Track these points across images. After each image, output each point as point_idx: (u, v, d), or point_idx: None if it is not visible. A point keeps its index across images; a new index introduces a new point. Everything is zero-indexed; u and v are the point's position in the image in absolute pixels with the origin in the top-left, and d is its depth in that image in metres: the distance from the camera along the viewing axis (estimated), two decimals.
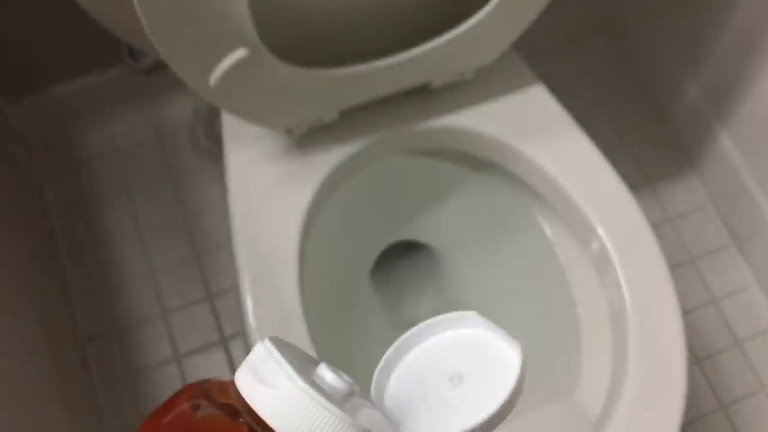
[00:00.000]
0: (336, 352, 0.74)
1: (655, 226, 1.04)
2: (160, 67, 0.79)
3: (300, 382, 0.24)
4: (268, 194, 0.68)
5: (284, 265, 0.65)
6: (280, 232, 0.66)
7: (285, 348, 0.26)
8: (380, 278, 0.86)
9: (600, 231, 0.68)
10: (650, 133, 1.18)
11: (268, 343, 0.26)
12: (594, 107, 1.16)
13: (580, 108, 0.77)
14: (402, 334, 0.37)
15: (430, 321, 0.36)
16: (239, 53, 0.53)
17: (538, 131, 0.72)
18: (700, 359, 1.03)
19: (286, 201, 0.68)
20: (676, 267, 1.07)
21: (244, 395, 0.25)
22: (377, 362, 0.37)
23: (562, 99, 0.74)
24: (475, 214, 0.84)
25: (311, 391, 0.24)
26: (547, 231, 0.79)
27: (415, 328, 0.36)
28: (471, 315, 0.36)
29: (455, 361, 0.34)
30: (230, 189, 0.68)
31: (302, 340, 0.62)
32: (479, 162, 0.77)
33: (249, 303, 0.63)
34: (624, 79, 1.22)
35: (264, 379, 0.25)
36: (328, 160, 0.70)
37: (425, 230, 0.85)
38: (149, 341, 1.00)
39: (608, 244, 0.67)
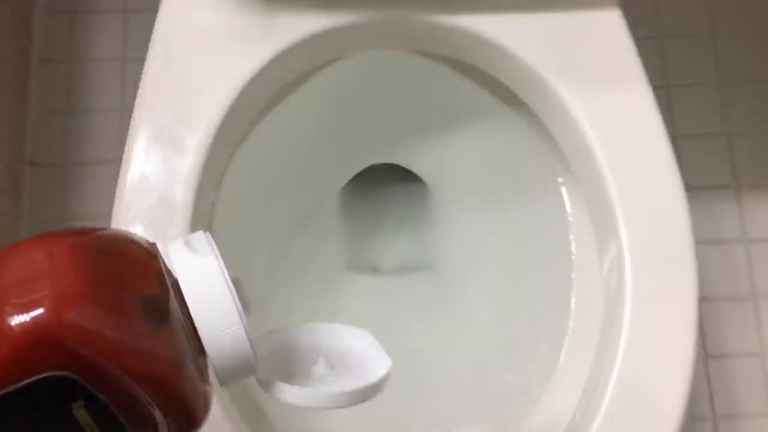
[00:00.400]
0: (267, 270, 0.59)
1: (723, 244, 0.85)
2: None
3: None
4: (202, 48, 0.51)
5: (191, 149, 0.48)
6: (201, 103, 0.49)
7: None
8: (351, 201, 0.70)
9: (622, 234, 0.48)
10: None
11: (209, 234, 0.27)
12: (691, 68, 0.92)
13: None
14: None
15: (324, 325, 0.35)
16: None
17: (589, 73, 0.52)
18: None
19: (224, 62, 0.50)
20: (731, 300, 0.86)
21: (167, 249, 0.26)
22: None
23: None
24: (489, 156, 0.65)
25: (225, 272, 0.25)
26: (568, 208, 0.60)
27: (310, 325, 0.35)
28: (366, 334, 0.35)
29: (333, 353, 0.33)
30: (154, 33, 0.51)
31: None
32: (507, 91, 0.58)
33: (128, 178, 0.48)
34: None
35: (191, 247, 0.26)
36: (298, 26, 0.52)
37: (420, 158, 0.67)
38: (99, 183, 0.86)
39: (627, 256, 0.48)
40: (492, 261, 0.64)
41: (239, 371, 0.26)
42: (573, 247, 0.59)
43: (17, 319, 0.20)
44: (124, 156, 0.48)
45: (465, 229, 0.65)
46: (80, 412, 0.21)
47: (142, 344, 0.22)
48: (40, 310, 0.20)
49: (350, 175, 0.67)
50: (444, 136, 0.65)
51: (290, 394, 0.29)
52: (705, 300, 0.85)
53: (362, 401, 0.30)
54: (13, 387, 0.20)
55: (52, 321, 0.20)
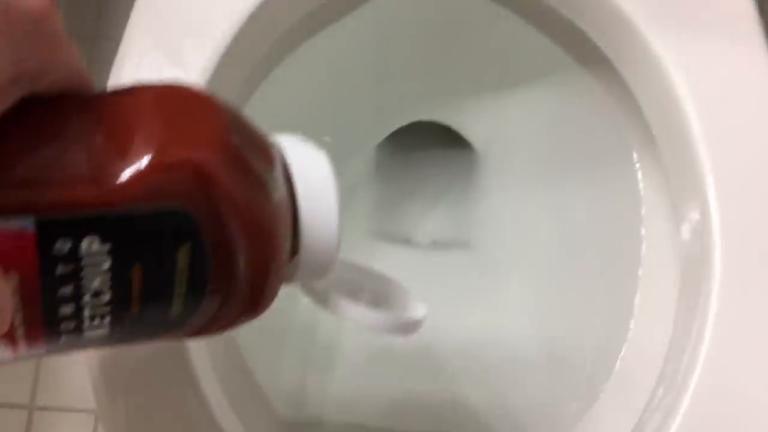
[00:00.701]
0: None
1: None
2: None
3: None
4: None
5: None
6: (210, 14, 0.41)
7: None
8: (388, 161, 0.61)
9: (711, 196, 0.39)
10: None
11: None
12: None
13: None
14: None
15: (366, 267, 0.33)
16: None
17: (692, 25, 0.43)
18: None
19: None
20: None
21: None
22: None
23: None
24: (552, 123, 0.56)
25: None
26: (641, 190, 0.51)
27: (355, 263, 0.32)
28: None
29: (376, 291, 0.32)
30: None
31: None
32: (582, 48, 0.48)
33: None
34: None
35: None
36: None
37: (471, 119, 0.58)
38: None
39: (716, 236, 0.38)
40: (543, 242, 0.55)
41: (319, 270, 0.25)
42: (642, 235, 0.50)
43: (175, 146, 0.20)
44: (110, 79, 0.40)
45: (515, 204, 0.56)
46: (183, 256, 0.20)
47: (266, 210, 0.22)
48: (197, 145, 0.20)
49: (389, 131, 0.58)
50: (502, 95, 0.56)
51: (349, 309, 0.29)
52: None
53: (406, 333, 0.30)
54: (143, 207, 0.19)
55: (207, 156, 0.20)
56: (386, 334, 0.30)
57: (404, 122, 0.58)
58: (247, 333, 0.50)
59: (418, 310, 0.31)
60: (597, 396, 0.48)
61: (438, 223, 0.61)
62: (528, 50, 0.54)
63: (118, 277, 0.20)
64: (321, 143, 0.54)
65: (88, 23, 0.83)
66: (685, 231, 0.41)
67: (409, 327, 0.30)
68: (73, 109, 0.20)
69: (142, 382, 0.38)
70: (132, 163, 0.19)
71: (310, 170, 0.24)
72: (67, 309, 0.19)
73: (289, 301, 0.52)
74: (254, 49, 0.44)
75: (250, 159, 0.21)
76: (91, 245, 0.19)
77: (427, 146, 0.62)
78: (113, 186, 0.19)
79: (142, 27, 0.41)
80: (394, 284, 0.33)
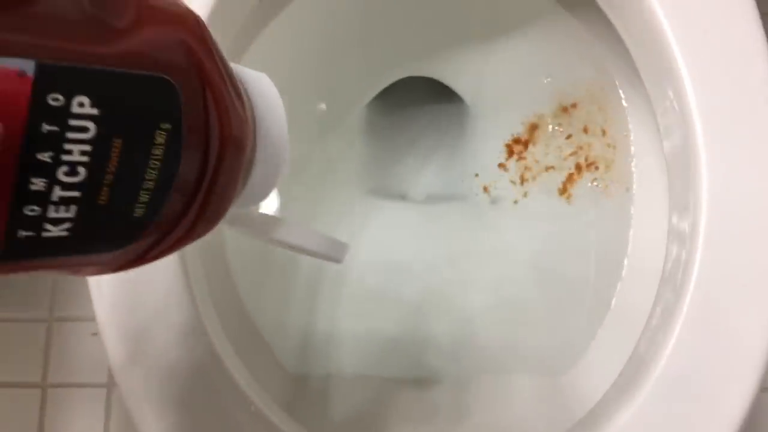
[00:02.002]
0: (279, 187, 0.53)
1: None
2: None
3: None
4: None
5: None
6: None
7: None
8: (379, 118, 0.62)
9: (696, 126, 0.39)
10: None
11: None
12: None
13: None
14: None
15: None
16: None
17: None
18: None
19: None
20: None
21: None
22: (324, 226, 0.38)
23: None
24: (541, 72, 0.56)
25: None
26: (632, 135, 0.52)
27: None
28: None
29: None
30: None
31: None
32: None
33: None
34: None
35: None
36: None
37: (460, 71, 0.58)
38: None
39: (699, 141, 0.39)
40: (537, 191, 0.55)
41: (268, 187, 0.26)
42: (634, 178, 0.51)
43: (173, 23, 0.20)
44: None
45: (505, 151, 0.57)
46: (160, 137, 0.20)
47: (239, 109, 0.22)
48: (191, 30, 0.21)
49: (380, 88, 0.59)
50: (489, 45, 0.56)
51: (283, 231, 0.29)
52: None
53: (338, 255, 0.31)
54: (137, 73, 0.19)
55: (200, 42, 0.21)
56: (320, 255, 0.31)
57: (394, 79, 0.58)
58: (252, 292, 0.51)
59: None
60: (598, 327, 0.50)
61: (431, 178, 0.61)
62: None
63: (98, 150, 0.19)
64: (316, 110, 0.54)
65: None
66: (667, 146, 0.42)
67: (341, 248, 0.32)
68: None
69: (155, 346, 0.39)
70: (133, 29, 0.19)
71: (262, 89, 0.25)
72: (38, 183, 0.18)
73: (291, 262, 0.53)
74: (236, 14, 0.44)
75: (223, 56, 0.22)
76: (82, 105, 0.18)
77: (419, 101, 0.62)
78: (115, 45, 0.19)
79: None
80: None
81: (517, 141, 0.56)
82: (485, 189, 0.57)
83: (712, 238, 0.38)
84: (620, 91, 0.52)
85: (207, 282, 0.43)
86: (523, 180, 0.56)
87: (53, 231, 0.19)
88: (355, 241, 0.54)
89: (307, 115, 0.56)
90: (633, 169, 0.52)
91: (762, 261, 0.38)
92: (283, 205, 0.53)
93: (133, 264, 0.23)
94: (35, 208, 0.18)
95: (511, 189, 0.56)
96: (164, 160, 0.20)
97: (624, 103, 0.52)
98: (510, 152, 0.57)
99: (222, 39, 0.44)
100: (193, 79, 0.20)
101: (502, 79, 0.57)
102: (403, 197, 0.60)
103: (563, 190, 0.55)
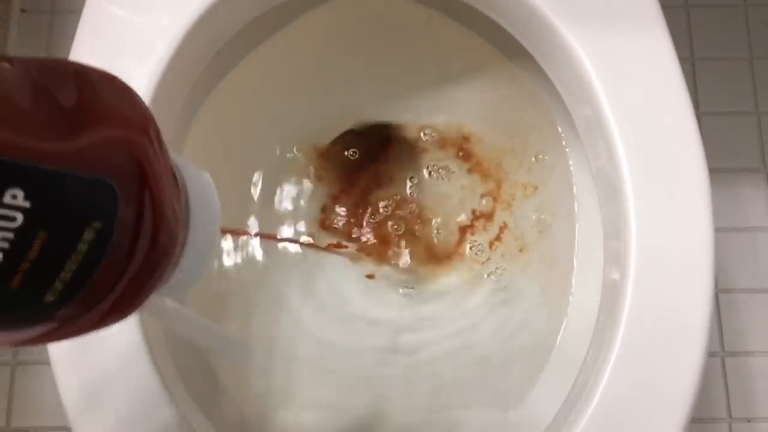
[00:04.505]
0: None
1: (748, 232, 0.78)
2: None
3: None
4: None
5: None
6: (151, 32, 0.43)
7: None
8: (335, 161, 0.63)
9: (627, 189, 0.42)
10: None
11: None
12: (720, 40, 0.84)
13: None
14: None
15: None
16: None
17: (599, 16, 0.45)
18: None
19: None
20: (754, 293, 0.78)
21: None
22: None
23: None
24: (487, 114, 0.58)
25: None
26: (572, 168, 0.54)
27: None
28: None
29: None
30: None
31: None
32: (507, 42, 0.51)
33: None
34: None
35: None
36: None
37: (411, 115, 0.61)
38: None
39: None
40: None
41: (193, 278, 0.26)
42: (575, 209, 0.53)
43: (117, 122, 0.20)
44: None
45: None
46: (89, 233, 0.20)
47: (177, 206, 0.23)
48: (136, 127, 0.21)
49: (336, 134, 0.61)
50: (440, 91, 0.59)
51: (195, 320, 0.30)
52: (725, 292, 0.78)
53: (241, 354, 0.34)
54: (76, 173, 0.19)
55: (143, 139, 0.21)
56: (224, 349, 0.31)
57: (350, 125, 0.61)
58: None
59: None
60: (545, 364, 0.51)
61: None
62: (459, 48, 0.57)
63: (20, 239, 0.19)
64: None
65: (38, 50, 0.85)
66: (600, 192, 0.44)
67: (243, 350, 0.33)
68: (24, 69, 0.20)
69: (112, 396, 0.40)
70: (80, 128, 0.19)
71: (201, 187, 0.26)
72: None
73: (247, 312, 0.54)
74: (193, 65, 0.46)
75: (168, 156, 0.22)
76: (15, 197, 0.18)
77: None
78: (61, 143, 0.19)
79: (86, 50, 0.43)
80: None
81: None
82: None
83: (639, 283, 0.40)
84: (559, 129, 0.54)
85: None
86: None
87: None
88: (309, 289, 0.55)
89: (265, 163, 0.58)
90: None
91: (686, 303, 0.40)
92: None
93: (39, 341, 0.22)
94: None
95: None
96: (88, 254, 0.20)
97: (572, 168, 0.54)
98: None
99: (180, 89, 0.46)
100: (134, 184, 0.21)
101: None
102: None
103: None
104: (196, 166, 0.26)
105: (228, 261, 0.54)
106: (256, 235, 0.37)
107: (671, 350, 0.39)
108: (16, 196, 0.18)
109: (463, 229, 0.58)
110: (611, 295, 0.42)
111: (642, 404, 0.39)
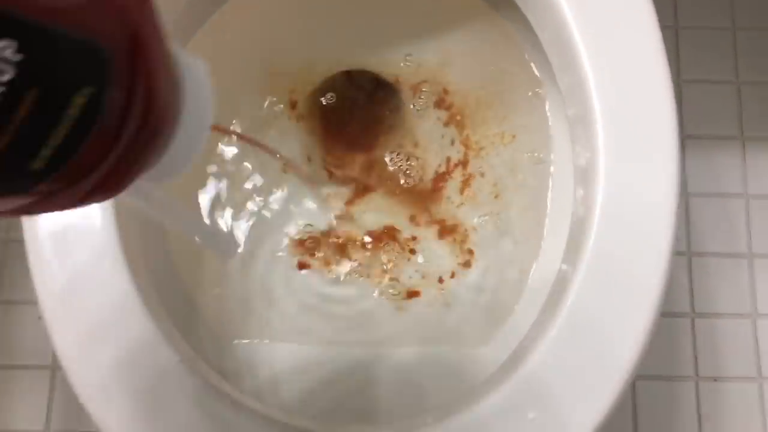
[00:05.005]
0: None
1: (723, 198, 0.80)
2: None
3: None
4: None
5: None
6: None
7: None
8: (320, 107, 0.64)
9: (600, 140, 0.43)
10: None
11: None
12: (703, 10, 0.85)
13: None
14: None
15: None
16: None
17: None
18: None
19: None
20: (725, 257, 0.80)
21: None
22: None
23: None
24: (471, 64, 0.60)
25: None
26: (549, 122, 0.56)
27: None
28: None
29: None
30: None
31: None
32: None
33: None
34: None
35: None
36: None
37: (396, 66, 0.62)
38: None
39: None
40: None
41: (182, 161, 0.25)
42: (552, 160, 0.54)
43: None
44: None
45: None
46: (80, 99, 0.19)
47: (170, 80, 0.22)
48: None
49: (319, 81, 0.62)
50: (425, 41, 0.60)
51: (184, 213, 0.31)
52: (698, 255, 0.80)
53: (227, 250, 0.33)
54: (72, 31, 0.19)
55: (139, 6, 0.20)
56: (210, 246, 0.31)
57: (333, 71, 0.62)
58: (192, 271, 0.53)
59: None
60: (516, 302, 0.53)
61: None
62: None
63: (9, 95, 0.18)
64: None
65: None
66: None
67: (230, 245, 0.32)
68: None
69: (103, 326, 0.41)
70: None
71: (195, 72, 0.25)
72: None
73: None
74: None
75: (163, 32, 0.22)
76: (4, 49, 0.17)
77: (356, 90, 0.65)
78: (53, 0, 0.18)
79: None
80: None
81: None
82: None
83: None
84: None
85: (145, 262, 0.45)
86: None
87: None
88: None
89: (249, 111, 0.59)
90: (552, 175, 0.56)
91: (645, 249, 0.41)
92: None
93: (22, 213, 0.22)
94: None
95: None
96: (78, 122, 0.20)
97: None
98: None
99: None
100: (128, 51, 0.20)
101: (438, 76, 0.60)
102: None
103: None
104: (189, 53, 0.25)
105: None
106: (237, 135, 0.37)
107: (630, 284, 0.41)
108: (7, 48, 0.17)
109: (440, 176, 0.59)
110: (575, 240, 0.44)
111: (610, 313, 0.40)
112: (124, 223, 0.43)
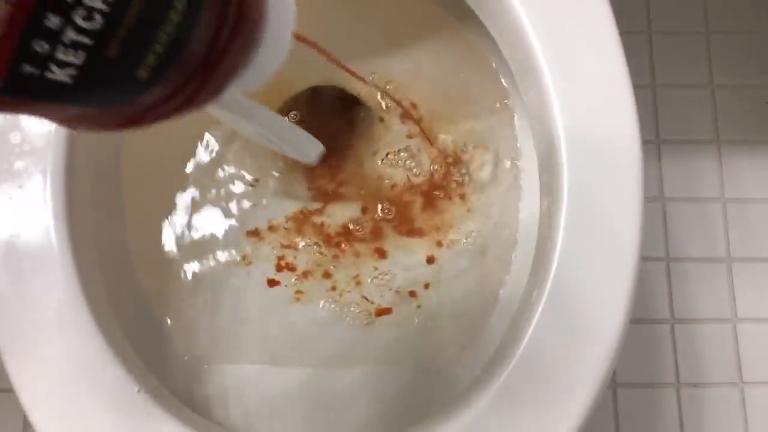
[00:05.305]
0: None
1: (700, 202, 0.79)
2: None
3: None
4: None
5: None
6: None
7: None
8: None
9: (563, 158, 0.42)
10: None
11: None
12: (676, 14, 0.85)
13: None
14: None
15: None
16: None
17: None
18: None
19: None
20: (704, 262, 0.79)
21: None
22: None
23: None
24: (438, 76, 0.59)
25: None
26: (517, 131, 0.55)
27: None
28: None
29: None
30: None
31: None
32: (458, 6, 0.52)
33: None
34: None
35: None
36: None
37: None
38: None
39: (565, 170, 0.42)
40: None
41: (272, 64, 0.26)
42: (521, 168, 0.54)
43: None
44: None
45: None
46: (180, 3, 0.20)
47: None
48: None
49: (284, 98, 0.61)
50: (392, 54, 0.59)
51: (273, 117, 0.31)
52: (676, 261, 0.79)
53: (314, 154, 0.33)
54: None
55: None
56: (294, 148, 0.32)
57: (303, 87, 0.61)
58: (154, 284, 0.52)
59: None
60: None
61: None
62: (412, 11, 0.57)
63: (118, 1, 0.19)
64: None
65: None
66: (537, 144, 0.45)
67: (315, 147, 0.33)
68: None
69: (59, 354, 0.40)
70: None
71: None
72: (53, 20, 0.18)
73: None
74: None
75: None
76: None
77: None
78: None
79: None
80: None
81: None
82: None
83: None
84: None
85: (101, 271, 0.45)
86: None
87: (57, 74, 0.19)
88: None
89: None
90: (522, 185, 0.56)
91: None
92: None
93: (126, 126, 0.23)
94: (45, 45, 0.18)
95: None
96: (179, 26, 0.20)
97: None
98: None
99: None
100: None
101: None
102: None
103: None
104: None
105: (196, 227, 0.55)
106: (319, 49, 0.37)
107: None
108: None
109: (408, 189, 0.58)
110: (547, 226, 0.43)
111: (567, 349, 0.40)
112: (81, 247, 0.42)
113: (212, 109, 0.28)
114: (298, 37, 0.29)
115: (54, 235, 0.41)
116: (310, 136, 0.33)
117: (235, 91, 0.26)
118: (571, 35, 0.44)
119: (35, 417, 0.39)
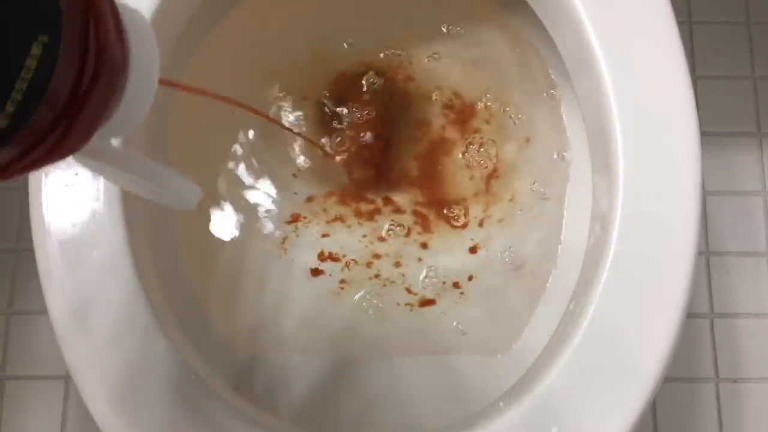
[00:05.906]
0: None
1: (741, 196, 0.78)
2: None
3: None
4: None
5: None
6: None
7: None
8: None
9: (620, 155, 0.42)
10: None
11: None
12: (718, 4, 0.84)
13: None
14: None
15: None
16: None
17: None
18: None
19: None
20: (745, 256, 0.78)
21: None
22: None
23: None
24: (482, 65, 0.59)
25: None
26: (565, 123, 0.55)
27: None
28: None
29: None
30: None
31: None
32: None
33: None
34: None
35: None
36: None
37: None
38: None
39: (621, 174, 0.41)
40: None
41: (136, 114, 0.26)
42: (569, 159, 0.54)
43: None
44: None
45: None
46: (37, 48, 0.20)
47: (120, 31, 0.23)
48: None
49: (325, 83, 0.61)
50: (434, 42, 0.59)
51: (140, 165, 0.29)
52: (716, 254, 0.78)
53: (188, 200, 0.31)
54: None
55: None
56: (172, 196, 0.31)
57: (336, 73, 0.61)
58: (202, 275, 0.53)
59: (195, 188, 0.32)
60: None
61: None
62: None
63: None
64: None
65: None
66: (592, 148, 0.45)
67: (192, 191, 0.32)
68: None
69: (115, 339, 0.41)
70: None
71: (137, 22, 0.25)
72: None
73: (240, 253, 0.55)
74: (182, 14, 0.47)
75: None
76: None
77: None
78: None
79: None
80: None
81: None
82: None
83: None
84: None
85: (153, 260, 0.45)
86: None
87: None
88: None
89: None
90: (570, 175, 0.55)
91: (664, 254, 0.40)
92: None
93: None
94: None
95: None
96: (37, 71, 0.20)
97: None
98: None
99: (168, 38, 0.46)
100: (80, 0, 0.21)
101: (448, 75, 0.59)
102: None
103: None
104: (127, 4, 0.25)
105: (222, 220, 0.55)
106: (189, 89, 0.35)
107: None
108: None
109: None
110: (597, 244, 0.43)
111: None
112: (134, 235, 0.42)
113: (85, 162, 0.27)
114: (164, 81, 0.28)
115: (108, 223, 0.42)
116: (190, 182, 0.31)
117: (107, 141, 0.26)
118: (629, 25, 0.43)
119: (95, 406, 0.39)
